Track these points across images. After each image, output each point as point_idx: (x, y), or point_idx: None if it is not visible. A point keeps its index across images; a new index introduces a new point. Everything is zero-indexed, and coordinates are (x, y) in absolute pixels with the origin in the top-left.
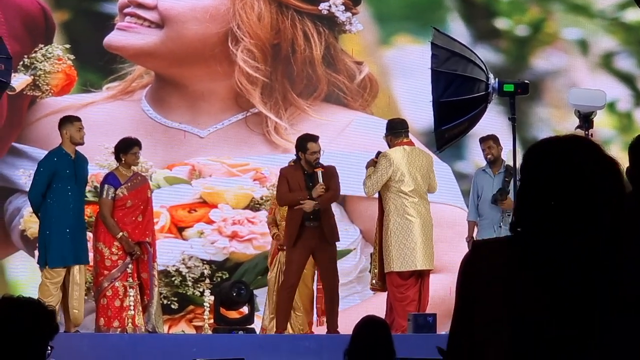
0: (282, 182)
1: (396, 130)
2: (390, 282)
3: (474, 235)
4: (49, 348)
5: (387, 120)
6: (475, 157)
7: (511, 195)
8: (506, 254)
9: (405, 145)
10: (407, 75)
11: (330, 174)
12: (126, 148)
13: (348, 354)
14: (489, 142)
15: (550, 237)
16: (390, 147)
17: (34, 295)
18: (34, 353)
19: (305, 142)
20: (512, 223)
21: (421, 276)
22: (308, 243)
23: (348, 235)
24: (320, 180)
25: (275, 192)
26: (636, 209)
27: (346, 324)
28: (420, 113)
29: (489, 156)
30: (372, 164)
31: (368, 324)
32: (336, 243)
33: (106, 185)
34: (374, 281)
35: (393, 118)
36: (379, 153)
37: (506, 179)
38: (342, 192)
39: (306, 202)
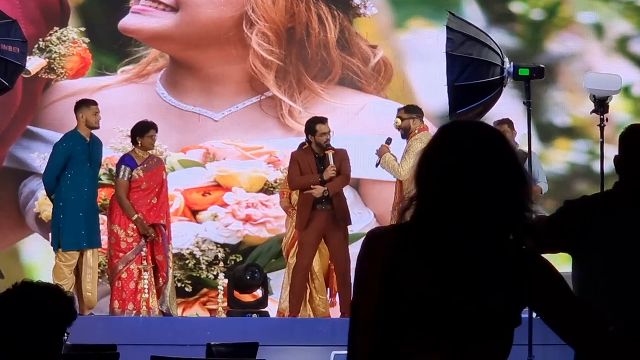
0: (293, 166)
1: (419, 114)
2: None
3: None
4: (66, 334)
5: (407, 105)
6: None
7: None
8: (400, 240)
9: (426, 131)
10: (421, 58)
11: (341, 156)
12: (143, 131)
13: None
14: (504, 126)
15: (442, 227)
16: (411, 130)
17: (49, 277)
18: (52, 338)
19: (314, 124)
20: (402, 208)
21: None
22: (319, 225)
23: (362, 218)
24: (332, 162)
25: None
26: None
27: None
28: (434, 97)
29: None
30: (386, 150)
31: None
32: (349, 227)
33: (122, 166)
34: None
35: (410, 103)
36: (389, 139)
37: None
38: (356, 176)
39: (316, 187)
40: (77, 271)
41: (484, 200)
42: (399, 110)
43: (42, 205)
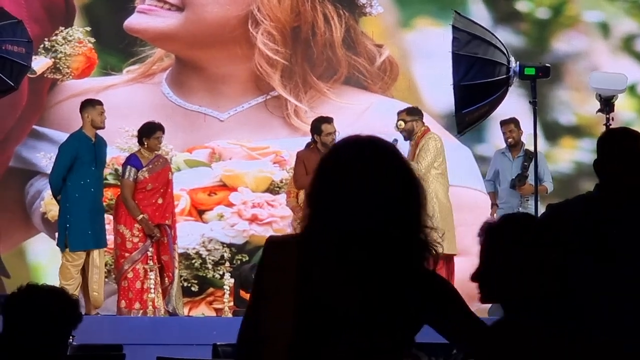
0: (299, 166)
1: (421, 115)
2: None
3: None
4: (71, 336)
5: (407, 107)
6: (496, 140)
7: (530, 181)
8: (297, 251)
9: (431, 131)
10: (427, 58)
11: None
12: (149, 132)
13: None
14: (510, 125)
15: (336, 235)
16: (414, 132)
17: (55, 277)
18: (57, 340)
19: (320, 124)
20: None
21: (448, 261)
22: None
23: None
24: None
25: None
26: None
27: None
28: (440, 96)
29: (509, 140)
30: None
31: None
32: None
33: (128, 166)
34: None
35: (410, 106)
36: (396, 140)
37: (525, 164)
38: None
39: None
40: (84, 271)
41: (376, 216)
42: (399, 113)
43: (49, 205)
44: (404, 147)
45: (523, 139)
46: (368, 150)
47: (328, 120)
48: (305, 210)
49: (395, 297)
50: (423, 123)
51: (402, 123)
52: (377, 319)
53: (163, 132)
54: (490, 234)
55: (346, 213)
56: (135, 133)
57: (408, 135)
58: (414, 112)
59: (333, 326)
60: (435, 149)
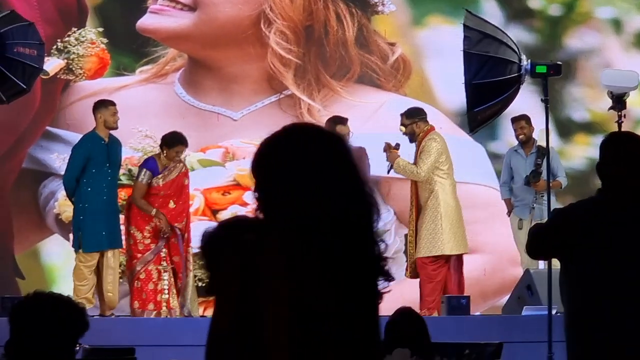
0: None
1: (423, 115)
2: (424, 262)
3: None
4: (78, 345)
5: (407, 109)
6: (509, 138)
7: (544, 176)
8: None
9: (435, 130)
10: (440, 56)
11: (359, 157)
12: (171, 143)
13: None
14: (521, 122)
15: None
16: (416, 133)
17: (70, 278)
18: (64, 349)
19: (334, 124)
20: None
21: (458, 261)
22: None
23: (382, 216)
24: None
25: None
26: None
27: (382, 305)
28: (453, 94)
29: (520, 136)
30: (396, 155)
31: (403, 317)
32: None
33: (144, 170)
34: (410, 269)
35: (410, 107)
36: (398, 144)
37: (538, 160)
38: (376, 174)
39: None
40: (98, 272)
41: (338, 202)
42: (401, 116)
43: (62, 206)
44: (408, 150)
45: (534, 135)
46: (318, 139)
47: (342, 121)
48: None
49: (361, 286)
50: (426, 122)
51: (402, 128)
52: (346, 308)
53: (185, 146)
54: None
55: (308, 201)
56: (149, 133)
57: (411, 138)
58: (412, 115)
59: (307, 319)
60: (436, 149)
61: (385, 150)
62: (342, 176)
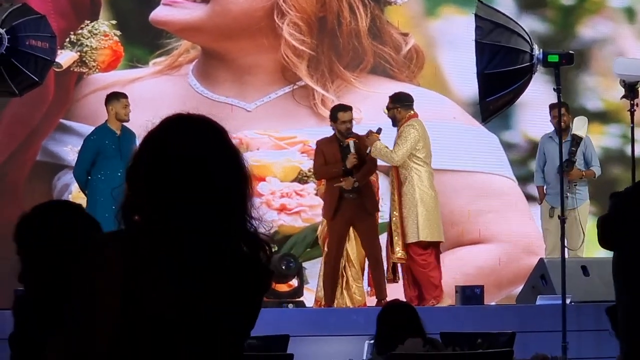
0: (317, 155)
1: (407, 102)
2: (413, 253)
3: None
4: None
5: (394, 93)
6: (522, 127)
7: (578, 165)
8: (130, 247)
9: (417, 118)
10: (453, 46)
11: (364, 144)
12: None
13: (376, 341)
14: (560, 109)
15: (171, 229)
16: (397, 119)
17: None
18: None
19: (336, 111)
20: (124, 208)
21: (436, 247)
22: (347, 214)
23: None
24: (352, 150)
25: None
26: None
27: (396, 295)
28: (466, 84)
29: (561, 125)
30: (375, 138)
31: (393, 310)
32: (380, 214)
33: None
34: (399, 253)
35: (399, 91)
36: (380, 129)
37: (572, 149)
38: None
39: (346, 180)
40: None
41: (205, 209)
42: (388, 98)
43: (76, 198)
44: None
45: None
46: (197, 133)
47: (344, 108)
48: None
49: (222, 296)
50: (408, 109)
51: (385, 111)
52: (204, 320)
53: None
54: None
55: (173, 205)
56: None
57: (393, 122)
58: (395, 101)
59: (158, 333)
60: (413, 136)
61: (367, 136)
62: (219, 171)
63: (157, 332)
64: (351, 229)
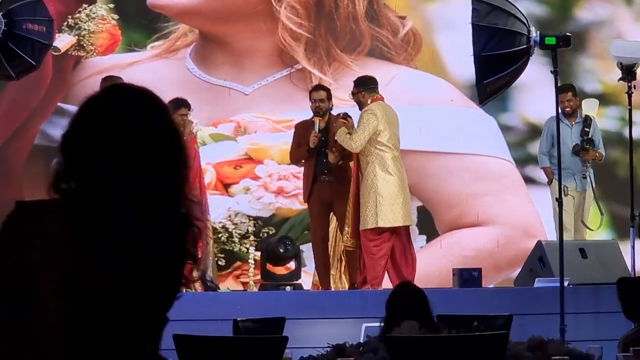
0: (293, 138)
1: (370, 85)
2: (366, 238)
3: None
4: None
5: (357, 77)
6: (520, 109)
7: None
8: (61, 217)
9: (381, 101)
10: (450, 29)
11: (335, 123)
12: (174, 108)
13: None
14: (568, 94)
15: (107, 197)
16: (362, 103)
17: None
18: None
19: (311, 91)
20: (57, 176)
21: (398, 233)
22: (323, 196)
23: None
24: (315, 129)
25: None
26: None
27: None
28: (464, 67)
29: (567, 109)
30: (340, 125)
31: (401, 290)
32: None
33: None
34: (349, 242)
35: (362, 75)
36: (345, 114)
37: (586, 129)
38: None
39: (330, 153)
40: None
41: (138, 181)
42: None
43: None
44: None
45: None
46: (133, 102)
47: (316, 87)
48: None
49: (152, 274)
50: (371, 93)
51: (350, 96)
52: (133, 299)
53: (188, 109)
54: None
55: (104, 176)
56: None
57: (359, 107)
58: (360, 84)
59: (87, 313)
60: (372, 122)
61: (334, 121)
62: (153, 142)
63: (85, 312)
64: None
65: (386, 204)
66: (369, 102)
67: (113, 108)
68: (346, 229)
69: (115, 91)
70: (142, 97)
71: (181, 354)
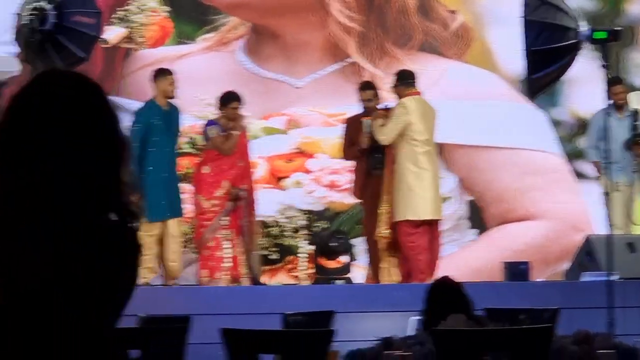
0: (345, 134)
1: (408, 80)
2: (402, 232)
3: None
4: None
5: (398, 71)
6: (570, 104)
7: None
8: None
9: (417, 96)
10: (501, 23)
11: (374, 114)
12: (225, 102)
13: (425, 315)
14: (618, 87)
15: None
16: (400, 97)
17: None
18: None
19: (359, 90)
20: None
21: (430, 226)
22: (376, 190)
23: (444, 183)
24: (365, 130)
25: None
26: None
27: (445, 272)
28: (514, 61)
29: (619, 101)
30: (379, 115)
31: (439, 287)
32: None
33: (208, 127)
34: (382, 231)
35: (402, 69)
36: (387, 107)
37: (636, 123)
38: (439, 140)
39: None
40: (161, 241)
41: (66, 165)
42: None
43: None
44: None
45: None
46: (63, 89)
47: (363, 86)
48: None
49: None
50: (407, 87)
51: (391, 88)
52: (77, 275)
53: (239, 102)
54: None
55: (32, 159)
56: (211, 101)
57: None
58: (398, 78)
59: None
60: (403, 117)
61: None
62: (89, 128)
63: (21, 288)
64: None
65: (416, 197)
66: (403, 96)
67: (41, 93)
68: (380, 217)
69: (47, 75)
70: (72, 78)
71: (228, 347)
